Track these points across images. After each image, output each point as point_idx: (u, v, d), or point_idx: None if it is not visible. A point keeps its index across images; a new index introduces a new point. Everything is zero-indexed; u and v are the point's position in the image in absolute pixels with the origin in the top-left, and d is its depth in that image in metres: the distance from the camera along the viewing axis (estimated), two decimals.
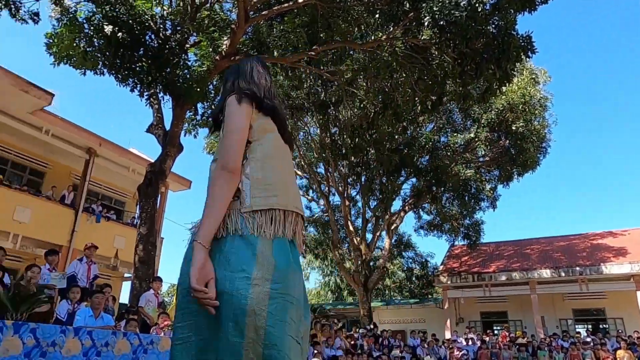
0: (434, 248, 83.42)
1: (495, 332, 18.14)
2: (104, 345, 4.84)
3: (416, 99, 10.24)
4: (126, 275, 15.14)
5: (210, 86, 10.46)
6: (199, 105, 10.86)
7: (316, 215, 22.66)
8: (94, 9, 8.60)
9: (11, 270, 7.82)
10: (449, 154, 17.37)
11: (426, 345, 14.13)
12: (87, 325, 5.07)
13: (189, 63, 9.78)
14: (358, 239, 19.20)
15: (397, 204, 20.10)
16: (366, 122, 13.90)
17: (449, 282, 19.84)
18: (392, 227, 19.59)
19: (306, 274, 33.40)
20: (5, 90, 11.34)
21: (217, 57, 9.58)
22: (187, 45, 10.09)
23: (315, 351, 9.14)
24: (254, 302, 1.34)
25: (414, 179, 18.99)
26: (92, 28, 8.43)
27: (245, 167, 1.55)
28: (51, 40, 8.54)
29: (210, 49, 9.79)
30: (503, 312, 20.39)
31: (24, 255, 12.01)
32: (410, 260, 26.44)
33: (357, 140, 15.36)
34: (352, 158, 17.36)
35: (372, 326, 15.56)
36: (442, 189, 17.82)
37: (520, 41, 8.15)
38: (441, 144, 17.94)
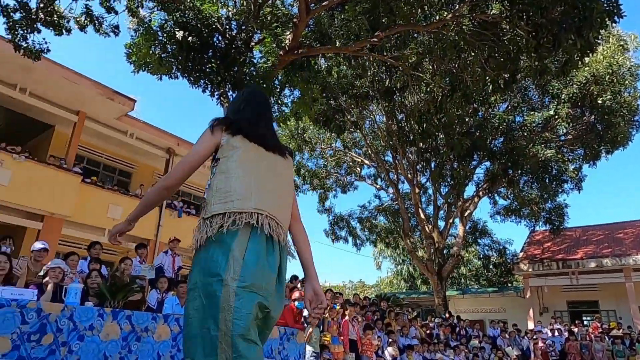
0: (512, 234, 79.28)
1: (585, 322, 16.90)
2: None
3: (487, 78, 9.68)
4: None
5: (276, 81, 10.68)
6: None
7: (386, 203, 22.43)
8: (166, 17, 9.12)
9: (107, 262, 8.60)
10: (525, 134, 16.29)
11: (507, 336, 13.51)
12: (174, 313, 5.46)
13: (255, 60, 10.05)
14: (430, 226, 18.73)
15: (470, 190, 19.34)
16: (434, 107, 13.42)
17: (530, 270, 18.77)
18: (466, 214, 18.86)
19: (378, 263, 33.40)
20: (94, 99, 12.44)
21: (281, 52, 9.75)
22: (252, 43, 10.37)
23: (390, 340, 9.10)
24: (223, 300, 1.59)
25: (487, 163, 18.09)
26: (165, 35, 8.96)
27: (212, 181, 1.84)
28: (130, 50, 9.20)
29: (274, 45, 9.98)
30: (593, 302, 18.92)
31: (117, 248, 13.18)
32: (487, 247, 25.33)
33: (425, 125, 14.89)
34: (421, 144, 16.90)
35: (447, 315, 15.18)
36: (519, 171, 16.79)
37: (605, 5, 7.39)
38: (516, 124, 16.87)
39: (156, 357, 4.76)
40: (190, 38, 8.75)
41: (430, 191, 20.39)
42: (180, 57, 9.00)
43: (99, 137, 14.19)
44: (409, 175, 18.47)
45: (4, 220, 10.94)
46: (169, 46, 9.01)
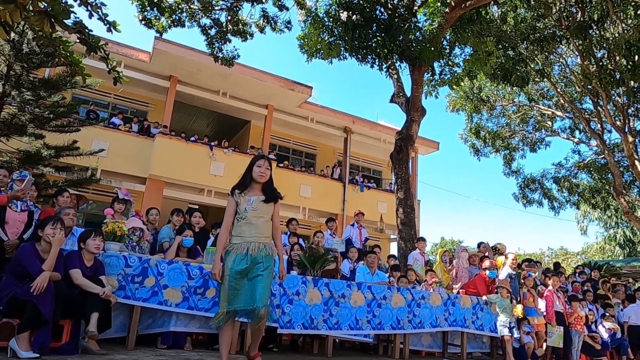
0: None
1: None
2: (382, 299, 5.48)
3: None
4: (392, 236, 16.56)
5: (444, 42, 10.11)
6: (435, 64, 10.69)
7: (588, 158, 19.35)
8: (330, 1, 9.50)
9: (303, 236, 9.63)
10: None
11: None
12: (366, 281, 5.82)
13: (419, 25, 9.70)
14: None
15: None
16: None
17: None
18: None
19: (582, 227, 29.57)
20: (277, 91, 13.90)
21: (447, 10, 9.17)
22: (415, 7, 10.02)
23: (607, 314, 7.95)
24: (228, 277, 3.43)
25: None
26: (330, 19, 9.35)
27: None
28: (302, 41, 9.90)
29: (439, 3, 9.44)
30: None
31: (310, 223, 14.64)
32: None
33: (636, 58, 12.15)
34: (632, 82, 13.87)
35: None
36: None
37: None
38: None
39: (354, 321, 5.18)
40: (354, 17, 8.94)
41: None
42: (346, 38, 9.28)
43: (285, 126, 15.85)
44: (618, 122, 15.45)
45: (224, 205, 13.22)
46: (335, 30, 9.38)
